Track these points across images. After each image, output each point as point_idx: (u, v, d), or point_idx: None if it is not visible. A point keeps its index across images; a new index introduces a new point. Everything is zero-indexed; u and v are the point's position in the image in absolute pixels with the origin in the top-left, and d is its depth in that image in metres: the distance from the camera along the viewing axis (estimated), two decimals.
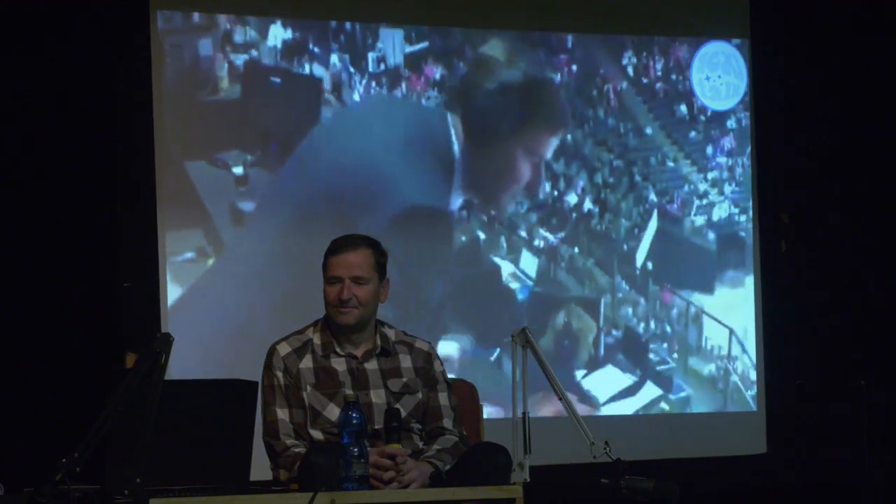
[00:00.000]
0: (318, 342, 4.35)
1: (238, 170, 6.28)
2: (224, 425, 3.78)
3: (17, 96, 5.94)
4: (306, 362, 4.32)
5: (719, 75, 7.12)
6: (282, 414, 4.27)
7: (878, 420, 6.72)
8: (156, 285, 6.11)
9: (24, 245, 5.93)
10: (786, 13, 7.17)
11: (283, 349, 4.35)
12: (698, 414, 7.00)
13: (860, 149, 7.18)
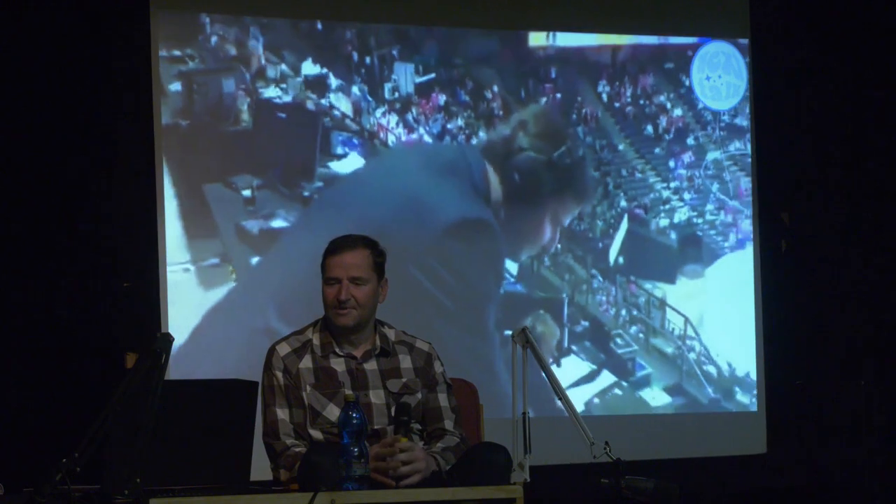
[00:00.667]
0: (317, 342, 4.35)
1: (239, 172, 6.29)
2: (224, 425, 3.78)
3: (18, 97, 5.94)
4: (306, 362, 4.32)
5: (719, 75, 7.12)
6: (282, 414, 4.27)
7: (879, 420, 6.72)
8: (156, 285, 6.11)
9: (24, 245, 5.93)
10: (786, 13, 7.17)
11: (283, 349, 4.35)
12: (698, 414, 7.00)
13: (860, 148, 7.18)
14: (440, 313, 6.06)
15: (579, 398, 6.09)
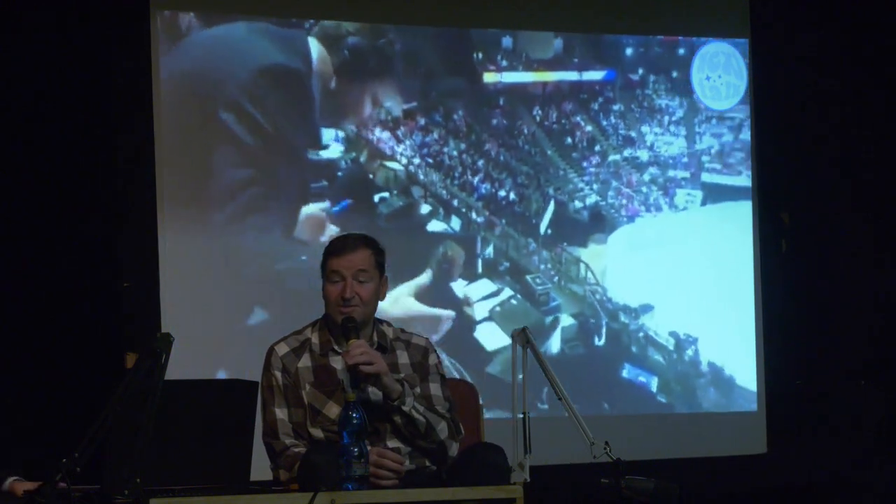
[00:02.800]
0: (316, 341, 4.35)
1: (241, 172, 6.29)
2: (224, 425, 3.78)
3: (18, 97, 5.94)
4: (304, 361, 4.32)
5: (719, 75, 7.12)
6: (281, 414, 4.27)
7: (878, 420, 6.72)
8: (156, 285, 6.11)
9: (25, 245, 5.92)
10: (786, 13, 7.17)
11: (282, 349, 4.35)
12: (698, 414, 7.01)
13: (860, 148, 7.18)
14: None
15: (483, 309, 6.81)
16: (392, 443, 4.25)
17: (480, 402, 4.84)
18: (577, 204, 6.97)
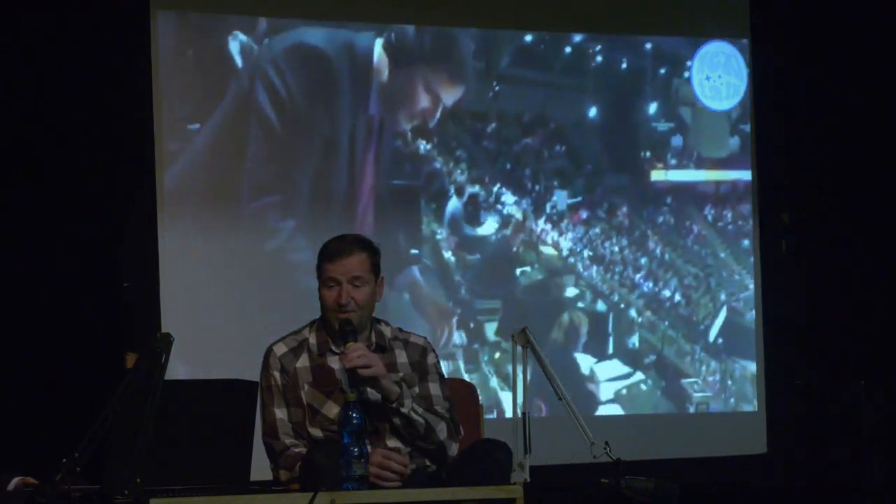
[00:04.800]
0: (313, 342, 4.35)
1: (240, 173, 6.30)
2: (224, 425, 3.78)
3: (17, 97, 5.94)
4: (303, 361, 4.32)
5: (719, 75, 7.12)
6: (280, 414, 4.27)
7: (878, 420, 6.71)
8: (156, 285, 6.11)
9: (25, 245, 5.93)
10: (786, 13, 7.17)
11: (280, 349, 4.35)
12: (698, 414, 7.00)
13: (860, 148, 7.18)
14: None
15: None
16: (392, 443, 4.25)
17: (480, 401, 4.84)
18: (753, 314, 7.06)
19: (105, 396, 3.58)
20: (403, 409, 4.22)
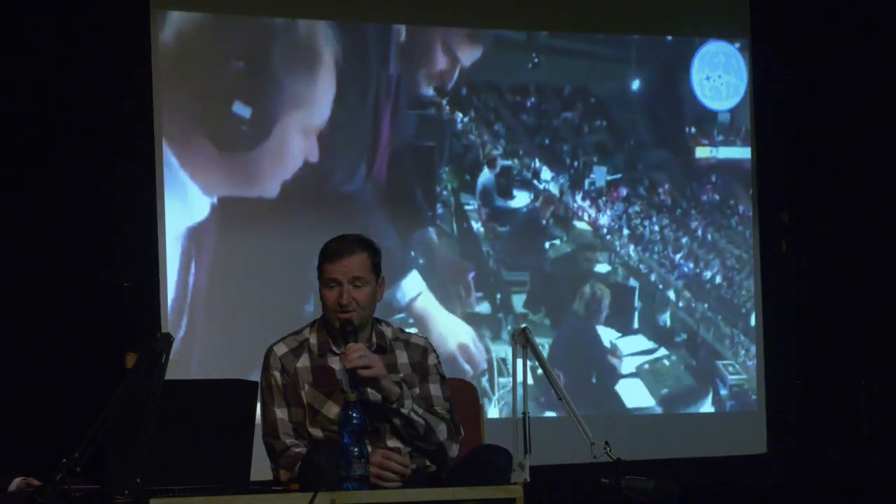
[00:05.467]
0: (314, 342, 4.35)
1: (240, 168, 6.30)
2: (224, 425, 3.78)
3: (18, 98, 5.94)
4: (303, 361, 4.32)
5: (719, 75, 7.12)
6: (281, 413, 4.27)
7: (878, 420, 6.71)
8: (156, 285, 6.11)
9: (25, 245, 5.93)
10: (786, 13, 7.17)
11: (280, 349, 4.35)
12: (699, 414, 7.00)
13: (860, 148, 7.18)
14: None
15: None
16: (391, 443, 4.25)
17: (480, 401, 4.84)
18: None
19: (105, 396, 3.58)
20: (404, 410, 4.22)
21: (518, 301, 6.67)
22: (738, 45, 7.17)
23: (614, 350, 6.81)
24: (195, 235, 6.20)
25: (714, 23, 7.14)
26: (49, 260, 5.94)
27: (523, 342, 4.25)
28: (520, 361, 4.24)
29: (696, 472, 6.77)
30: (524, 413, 4.12)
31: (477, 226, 6.63)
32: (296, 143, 6.38)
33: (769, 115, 7.17)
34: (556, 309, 6.75)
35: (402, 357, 4.40)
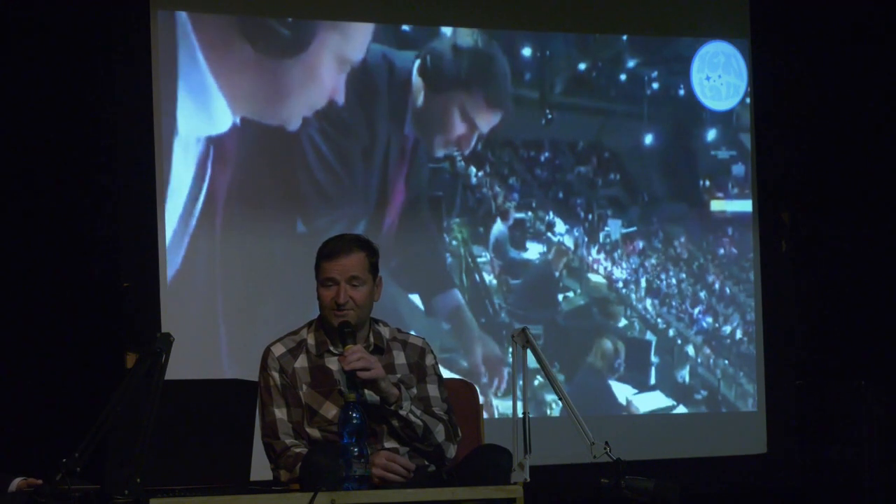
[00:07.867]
0: (311, 342, 4.35)
1: (241, 168, 6.30)
2: (224, 425, 3.78)
3: (18, 98, 5.94)
4: (301, 362, 4.32)
5: (719, 75, 7.12)
6: (280, 414, 4.27)
7: (878, 420, 6.71)
8: (156, 285, 6.11)
9: (25, 245, 5.93)
10: (786, 13, 7.17)
11: (278, 350, 4.35)
12: (699, 414, 7.01)
13: (860, 148, 7.18)
14: None
15: None
16: (389, 444, 4.25)
17: (480, 402, 4.83)
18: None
19: (105, 396, 3.58)
20: (402, 412, 4.21)
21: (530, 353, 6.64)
22: (738, 45, 7.16)
23: (629, 406, 6.83)
24: (195, 236, 6.20)
25: (714, 23, 7.14)
26: (49, 260, 5.94)
27: (523, 342, 4.24)
28: (520, 361, 4.24)
29: (696, 472, 6.77)
30: (524, 413, 4.11)
31: (489, 278, 6.64)
32: None
33: (769, 115, 7.17)
34: (569, 363, 6.76)
35: (400, 357, 4.39)
